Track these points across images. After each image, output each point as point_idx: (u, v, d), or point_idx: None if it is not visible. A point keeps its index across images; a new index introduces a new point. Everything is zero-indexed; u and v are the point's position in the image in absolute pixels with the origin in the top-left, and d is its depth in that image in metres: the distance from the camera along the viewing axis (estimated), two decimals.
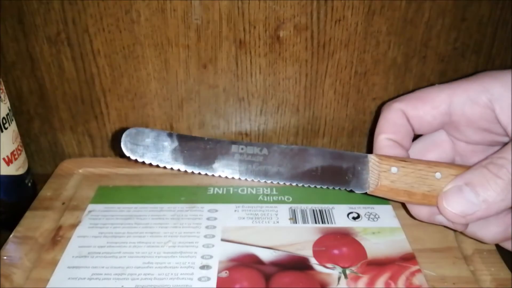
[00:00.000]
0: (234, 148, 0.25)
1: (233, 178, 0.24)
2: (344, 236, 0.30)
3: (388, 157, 0.24)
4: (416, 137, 0.28)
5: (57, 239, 0.30)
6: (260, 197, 0.33)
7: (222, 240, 0.29)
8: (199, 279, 0.26)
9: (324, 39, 0.33)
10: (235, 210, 0.32)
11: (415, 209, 0.25)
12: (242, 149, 0.24)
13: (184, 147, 0.24)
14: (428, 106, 0.23)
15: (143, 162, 0.25)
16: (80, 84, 0.35)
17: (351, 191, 0.25)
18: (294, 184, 0.24)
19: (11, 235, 0.29)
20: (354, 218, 0.31)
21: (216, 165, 0.25)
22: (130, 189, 0.34)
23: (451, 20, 0.33)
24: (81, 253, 0.28)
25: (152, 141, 0.24)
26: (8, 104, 0.31)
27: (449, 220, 0.22)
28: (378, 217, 0.31)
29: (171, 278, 0.26)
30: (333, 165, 0.24)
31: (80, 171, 0.36)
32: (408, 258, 0.28)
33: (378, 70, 0.35)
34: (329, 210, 0.32)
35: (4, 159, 0.30)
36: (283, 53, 0.34)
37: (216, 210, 0.32)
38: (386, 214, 0.32)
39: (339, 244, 0.29)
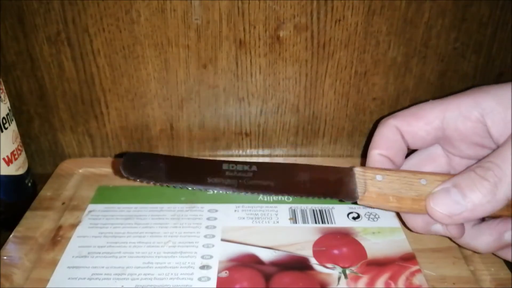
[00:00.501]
0: (224, 166, 0.26)
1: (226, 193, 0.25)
2: (344, 236, 0.30)
3: (372, 167, 0.25)
4: (412, 152, 0.28)
5: (57, 239, 0.30)
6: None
7: (222, 240, 0.29)
8: (199, 279, 0.26)
9: (324, 39, 0.33)
10: (235, 210, 0.32)
11: (410, 221, 0.25)
12: (232, 167, 0.26)
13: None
14: (421, 122, 0.24)
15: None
16: (80, 84, 0.35)
17: (342, 200, 0.25)
18: (285, 197, 0.25)
19: (11, 235, 0.30)
20: (354, 218, 0.31)
21: (209, 182, 0.26)
22: (130, 189, 0.34)
23: (451, 20, 0.33)
24: (81, 253, 0.28)
25: (148, 163, 0.26)
26: (8, 104, 0.31)
27: (437, 220, 0.22)
28: (378, 217, 0.31)
29: (171, 278, 0.26)
30: (321, 178, 0.25)
31: (80, 171, 0.37)
32: (408, 258, 0.28)
33: (378, 70, 0.35)
34: (329, 210, 0.32)
35: (4, 159, 0.30)
36: (283, 53, 0.34)
37: (216, 210, 0.32)
38: (386, 214, 0.32)
39: (339, 244, 0.29)
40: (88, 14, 0.32)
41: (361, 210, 0.32)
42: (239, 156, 0.39)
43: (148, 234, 0.30)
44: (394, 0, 0.32)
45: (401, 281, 0.26)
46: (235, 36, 0.33)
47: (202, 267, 0.27)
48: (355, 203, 0.25)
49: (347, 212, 0.32)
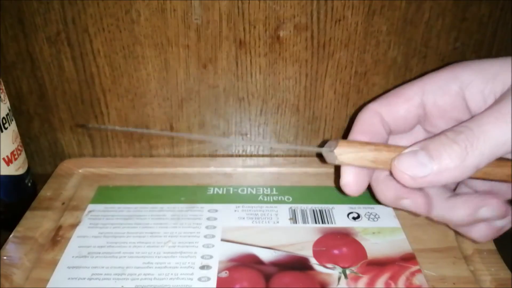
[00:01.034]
0: None
1: None
2: (344, 236, 0.30)
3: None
4: None
5: (57, 239, 0.30)
6: (260, 197, 0.33)
7: (222, 240, 0.29)
8: (199, 279, 0.26)
9: (324, 39, 0.33)
10: (235, 210, 0.32)
11: (380, 193, 0.24)
12: None
13: None
14: (401, 99, 0.23)
15: None
16: (80, 84, 0.35)
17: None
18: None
19: (11, 235, 0.29)
20: (354, 218, 0.31)
21: None
22: (130, 189, 0.34)
23: (451, 20, 0.33)
24: (81, 253, 0.28)
25: None
26: (8, 104, 0.31)
27: (401, 182, 0.21)
28: (378, 217, 0.31)
29: (171, 278, 0.26)
30: None
31: (80, 171, 0.36)
32: (408, 258, 0.28)
33: (378, 70, 0.35)
34: (329, 210, 0.32)
35: (4, 159, 0.30)
36: (283, 53, 0.34)
37: (216, 210, 0.32)
38: (386, 214, 0.32)
39: (339, 244, 0.29)
40: (88, 14, 0.32)
41: (361, 210, 0.32)
42: (239, 156, 0.39)
43: (148, 234, 0.30)
44: (394, 0, 0.31)
45: (401, 281, 0.26)
46: (235, 36, 0.33)
47: (202, 267, 0.27)
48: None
49: (347, 212, 0.32)
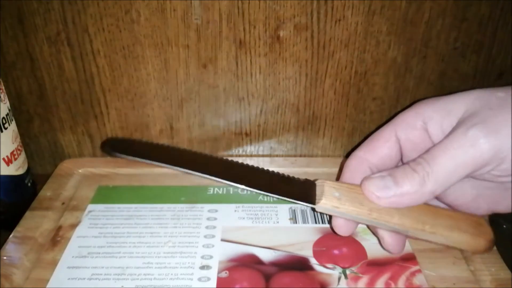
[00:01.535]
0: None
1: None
2: (344, 236, 0.30)
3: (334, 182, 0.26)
4: None
5: (57, 239, 0.30)
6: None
7: (222, 240, 0.29)
8: (199, 279, 0.26)
9: (324, 39, 0.33)
10: (235, 210, 0.32)
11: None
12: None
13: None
14: (381, 142, 0.26)
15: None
16: (80, 84, 0.35)
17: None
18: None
19: (10, 235, 0.29)
20: None
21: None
22: (130, 189, 0.34)
23: (451, 20, 0.33)
24: (81, 253, 0.28)
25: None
26: (8, 104, 0.31)
27: (368, 197, 0.24)
28: None
29: (171, 278, 0.26)
30: (286, 180, 0.27)
31: (80, 171, 0.36)
32: (408, 258, 0.28)
33: (378, 70, 0.35)
34: None
35: (3, 159, 0.30)
36: (283, 53, 0.34)
37: (216, 210, 0.32)
38: None
39: (339, 244, 0.29)
40: (88, 14, 0.32)
41: None
42: (239, 156, 0.39)
43: (148, 234, 0.30)
44: (394, 0, 0.32)
45: (401, 281, 0.26)
46: (235, 36, 0.33)
47: (202, 267, 0.27)
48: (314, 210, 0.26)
49: None
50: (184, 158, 0.26)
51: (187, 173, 0.26)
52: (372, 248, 0.29)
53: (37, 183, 0.35)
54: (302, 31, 0.33)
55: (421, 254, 0.28)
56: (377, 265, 0.27)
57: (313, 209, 0.25)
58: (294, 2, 0.31)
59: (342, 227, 0.26)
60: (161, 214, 0.31)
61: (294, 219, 0.31)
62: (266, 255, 0.28)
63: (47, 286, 0.26)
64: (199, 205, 0.32)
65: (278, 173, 0.27)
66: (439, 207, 0.26)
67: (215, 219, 0.31)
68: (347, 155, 0.28)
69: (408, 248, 0.29)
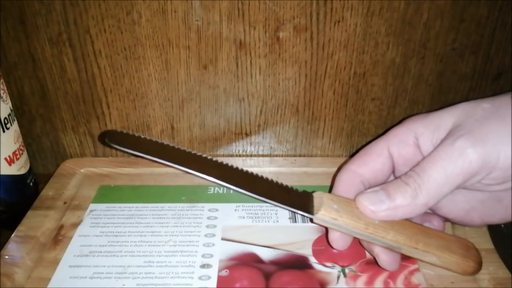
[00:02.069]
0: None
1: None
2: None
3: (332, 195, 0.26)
4: None
5: (59, 238, 0.30)
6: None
7: (223, 239, 0.29)
8: (200, 277, 0.26)
9: (324, 40, 0.33)
10: (235, 210, 0.32)
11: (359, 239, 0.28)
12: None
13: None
14: (373, 156, 0.27)
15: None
16: (82, 84, 0.35)
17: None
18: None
19: (12, 235, 0.30)
20: None
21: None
22: (131, 189, 0.34)
23: (450, 21, 0.33)
24: (83, 252, 0.28)
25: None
26: (10, 104, 0.31)
27: (363, 213, 0.25)
28: None
29: (172, 277, 0.27)
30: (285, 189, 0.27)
31: (82, 170, 0.37)
32: (407, 257, 0.28)
33: (377, 71, 0.35)
34: None
35: (6, 159, 0.31)
36: (282, 54, 0.34)
37: (217, 210, 0.32)
38: None
39: None
40: (90, 15, 0.32)
41: None
42: (239, 156, 0.40)
43: (149, 233, 0.30)
44: (393, 1, 0.32)
45: (400, 280, 0.26)
46: (235, 37, 0.33)
47: (203, 266, 0.27)
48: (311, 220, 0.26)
49: None
50: (183, 157, 0.26)
51: (184, 171, 0.25)
52: None
53: (39, 183, 0.36)
54: (302, 32, 0.33)
55: None
56: (376, 264, 0.27)
57: (311, 220, 0.26)
58: (293, 4, 0.32)
59: (338, 241, 0.26)
60: (162, 213, 0.32)
61: (293, 218, 0.31)
62: (266, 254, 0.28)
63: (49, 285, 0.26)
64: (199, 205, 0.33)
65: (277, 182, 0.27)
66: (431, 229, 0.27)
67: (216, 218, 0.31)
68: (350, 155, 0.28)
69: None
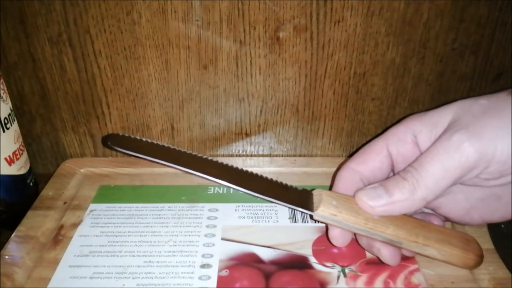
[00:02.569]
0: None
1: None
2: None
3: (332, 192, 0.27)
4: None
5: (59, 238, 0.30)
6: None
7: (223, 239, 0.29)
8: (200, 277, 0.26)
9: (324, 40, 0.33)
10: (235, 210, 0.32)
11: (358, 239, 0.28)
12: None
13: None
14: (373, 155, 0.27)
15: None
16: (82, 84, 0.35)
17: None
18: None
19: (12, 235, 0.30)
20: None
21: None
22: (131, 189, 0.34)
23: (450, 21, 0.33)
24: (83, 252, 0.28)
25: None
26: (10, 104, 0.31)
27: (361, 208, 0.25)
28: None
29: (172, 277, 0.27)
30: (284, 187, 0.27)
31: (82, 170, 0.37)
32: (407, 257, 0.28)
33: (377, 71, 0.35)
34: None
35: (6, 159, 0.31)
36: (282, 54, 0.34)
37: (217, 210, 0.32)
38: None
39: None
40: (90, 15, 0.32)
41: None
42: (239, 156, 0.40)
43: (149, 233, 0.30)
44: (393, 1, 0.32)
45: (400, 280, 0.26)
46: (235, 37, 0.33)
47: (203, 266, 0.27)
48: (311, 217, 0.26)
49: None
50: (183, 158, 0.26)
51: (185, 171, 0.26)
52: None
53: (39, 183, 0.36)
54: (302, 32, 0.33)
55: None
56: (376, 264, 0.28)
57: (311, 216, 0.26)
58: (293, 4, 0.32)
59: (338, 238, 0.27)
60: (162, 213, 0.32)
61: (293, 218, 0.31)
62: (266, 254, 0.28)
63: (49, 285, 0.26)
64: (199, 205, 0.33)
65: (276, 181, 0.27)
66: (431, 223, 0.27)
67: (216, 218, 0.31)
68: (349, 155, 0.28)
69: None
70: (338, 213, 0.25)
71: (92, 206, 0.33)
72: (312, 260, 0.28)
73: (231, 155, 0.40)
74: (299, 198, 0.26)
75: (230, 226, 0.31)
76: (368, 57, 0.34)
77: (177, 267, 0.27)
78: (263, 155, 0.40)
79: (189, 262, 0.28)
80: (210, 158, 0.27)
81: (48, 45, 0.34)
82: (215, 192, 0.34)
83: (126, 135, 0.26)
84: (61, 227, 0.31)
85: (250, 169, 0.27)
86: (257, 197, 0.26)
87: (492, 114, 0.23)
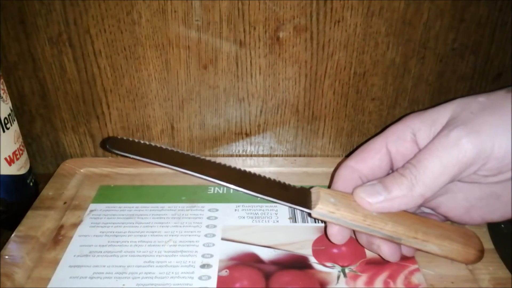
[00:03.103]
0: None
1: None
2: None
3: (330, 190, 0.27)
4: None
5: (59, 238, 0.30)
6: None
7: (223, 239, 0.29)
8: (200, 277, 0.26)
9: (324, 40, 0.33)
10: (235, 210, 0.32)
11: (358, 237, 0.28)
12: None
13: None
14: (372, 153, 0.27)
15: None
16: (82, 84, 0.35)
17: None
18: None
19: (12, 235, 0.30)
20: None
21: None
22: (131, 189, 0.34)
23: (450, 21, 0.33)
24: (83, 252, 0.28)
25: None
26: (10, 104, 0.31)
27: (361, 205, 0.25)
28: None
29: (172, 277, 0.27)
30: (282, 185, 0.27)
31: (82, 170, 0.37)
32: (407, 257, 0.28)
33: (377, 71, 0.35)
34: None
35: (6, 159, 0.31)
36: (282, 54, 0.34)
37: (217, 210, 0.32)
38: None
39: None
40: (90, 15, 0.32)
41: None
42: (239, 156, 0.40)
43: (149, 233, 0.30)
44: (393, 1, 0.32)
45: (400, 280, 0.26)
46: (235, 37, 0.33)
47: (203, 266, 0.27)
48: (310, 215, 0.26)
49: None
50: (182, 159, 0.26)
51: (183, 173, 0.26)
52: None
53: (39, 183, 0.36)
54: (302, 32, 0.33)
55: (420, 253, 0.28)
56: (376, 264, 0.28)
57: (309, 215, 0.26)
58: (293, 4, 0.32)
59: (337, 235, 0.27)
60: (162, 214, 0.32)
61: (293, 218, 0.31)
62: (266, 254, 0.28)
63: (49, 285, 0.26)
64: (199, 205, 0.33)
65: (274, 180, 0.27)
66: (431, 219, 0.27)
67: (216, 218, 0.31)
68: (347, 155, 0.28)
69: None
70: (336, 210, 0.25)
71: (92, 206, 0.33)
72: (312, 260, 0.28)
73: (231, 155, 0.40)
74: (297, 196, 0.26)
75: (230, 226, 0.31)
76: (368, 57, 0.34)
77: (177, 267, 0.27)
78: (263, 155, 0.40)
79: (189, 262, 0.28)
80: (208, 158, 0.27)
81: (48, 45, 0.34)
82: (215, 192, 0.34)
83: (125, 137, 0.27)
84: (61, 227, 0.31)
85: (250, 169, 0.27)
86: (255, 196, 0.26)
87: (491, 111, 0.23)
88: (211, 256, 0.28)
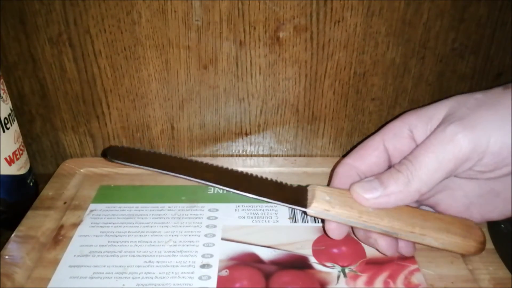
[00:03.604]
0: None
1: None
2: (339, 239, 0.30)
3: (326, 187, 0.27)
4: None
5: (59, 238, 0.30)
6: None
7: (223, 239, 0.29)
8: (200, 277, 0.26)
9: (324, 40, 0.33)
10: (235, 210, 0.32)
11: (355, 231, 0.28)
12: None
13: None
14: (369, 150, 0.27)
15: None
16: (82, 84, 0.35)
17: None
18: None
19: (12, 235, 0.30)
20: None
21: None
22: (131, 189, 0.34)
23: (450, 21, 0.33)
24: (83, 252, 0.28)
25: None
26: (9, 104, 0.31)
27: (357, 201, 0.25)
28: None
29: (172, 277, 0.27)
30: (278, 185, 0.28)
31: (82, 170, 0.37)
32: (407, 257, 0.28)
33: (377, 71, 0.35)
34: None
35: (6, 159, 0.31)
36: (282, 54, 0.34)
37: (217, 210, 0.32)
38: None
39: (338, 243, 0.29)
40: (90, 15, 0.32)
41: None
42: (239, 156, 0.40)
43: (149, 233, 0.30)
44: (393, 1, 0.32)
45: (400, 280, 0.26)
46: (235, 37, 0.33)
47: (203, 266, 0.27)
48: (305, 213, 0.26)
49: None
50: (179, 165, 0.27)
51: (182, 178, 0.27)
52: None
53: (39, 183, 0.36)
54: (302, 32, 0.33)
55: (420, 253, 0.28)
56: (376, 264, 0.28)
57: (305, 213, 0.26)
58: (293, 4, 0.32)
59: (334, 231, 0.27)
60: (162, 213, 0.32)
61: (293, 218, 0.31)
62: (266, 254, 0.28)
63: (49, 285, 0.26)
64: (199, 205, 0.33)
65: (271, 180, 0.28)
66: (429, 212, 0.27)
67: (216, 218, 0.31)
68: (344, 155, 0.28)
69: None
70: (331, 208, 0.25)
71: (92, 206, 0.33)
72: (312, 260, 0.28)
73: (231, 155, 0.40)
74: (294, 195, 0.27)
75: (230, 226, 0.31)
76: (368, 57, 0.34)
77: (177, 267, 0.27)
78: (263, 155, 0.40)
79: (189, 262, 0.28)
80: (205, 162, 0.28)
81: (48, 45, 0.34)
82: (215, 192, 0.34)
83: (125, 146, 0.28)
84: (61, 227, 0.31)
85: (250, 169, 0.28)
86: (249, 197, 0.26)
87: (487, 107, 0.23)
88: (211, 256, 0.28)
